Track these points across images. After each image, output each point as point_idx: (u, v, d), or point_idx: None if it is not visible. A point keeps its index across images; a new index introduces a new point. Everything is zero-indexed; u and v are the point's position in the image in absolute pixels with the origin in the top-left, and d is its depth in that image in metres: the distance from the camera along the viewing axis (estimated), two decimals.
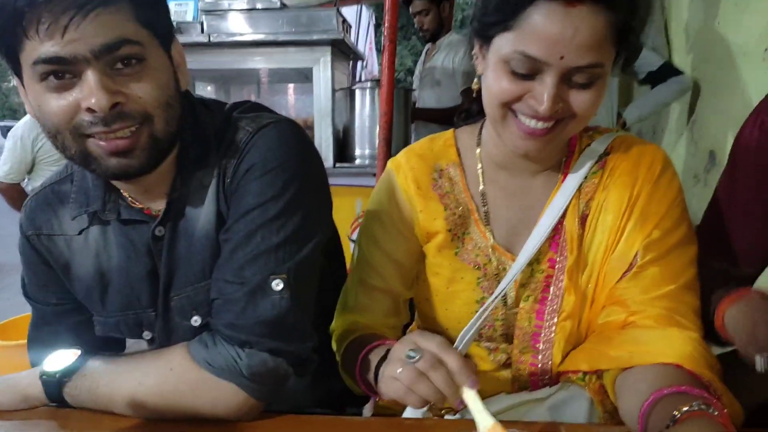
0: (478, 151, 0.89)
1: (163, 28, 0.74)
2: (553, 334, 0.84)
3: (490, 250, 0.86)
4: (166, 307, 0.83)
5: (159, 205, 0.82)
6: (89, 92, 0.67)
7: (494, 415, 0.61)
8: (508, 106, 0.76)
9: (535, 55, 0.71)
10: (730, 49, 2.05)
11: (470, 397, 0.62)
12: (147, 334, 0.87)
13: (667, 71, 2.26)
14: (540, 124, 0.75)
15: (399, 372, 0.64)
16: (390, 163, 0.93)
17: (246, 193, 0.77)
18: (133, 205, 0.82)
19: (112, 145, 0.70)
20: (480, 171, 0.89)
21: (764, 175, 0.89)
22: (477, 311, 0.84)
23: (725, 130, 2.07)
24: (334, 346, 0.89)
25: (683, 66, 2.34)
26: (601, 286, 0.83)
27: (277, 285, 0.74)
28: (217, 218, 0.80)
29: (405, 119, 2.52)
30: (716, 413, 0.58)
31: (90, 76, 0.67)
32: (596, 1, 0.69)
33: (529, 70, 0.72)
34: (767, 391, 0.81)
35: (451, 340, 0.80)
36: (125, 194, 0.83)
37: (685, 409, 0.58)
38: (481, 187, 0.88)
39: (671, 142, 2.58)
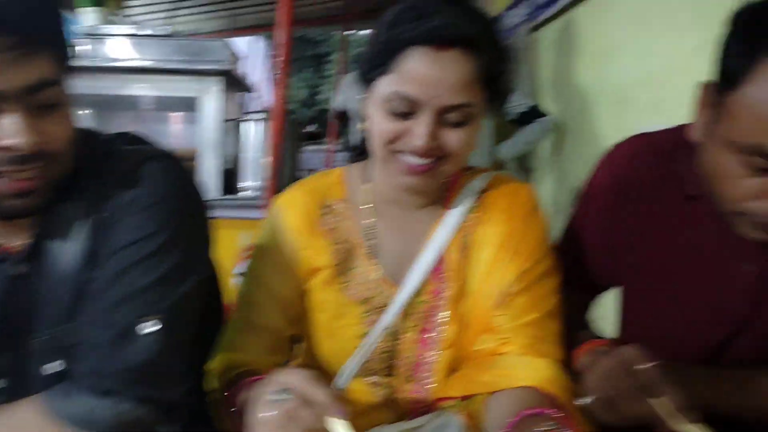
0: (366, 186, 0.94)
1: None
2: (435, 363, 0.89)
3: (376, 283, 0.90)
4: (24, 351, 0.76)
5: (19, 240, 0.76)
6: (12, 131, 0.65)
7: None
8: (391, 145, 0.82)
9: (411, 95, 0.78)
10: (588, 96, 2.29)
11: (341, 429, 0.62)
12: (1, 382, 0.79)
13: (534, 113, 2.50)
14: (420, 161, 0.81)
15: (267, 416, 0.63)
16: (278, 199, 0.95)
17: (123, 227, 0.74)
18: None
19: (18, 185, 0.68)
20: (368, 206, 0.93)
21: (610, 222, 0.98)
22: (356, 348, 0.87)
23: (586, 170, 2.28)
24: (211, 385, 0.87)
25: (550, 109, 2.58)
26: (478, 314, 0.89)
27: (149, 327, 0.71)
28: (87, 256, 0.75)
29: (293, 151, 2.54)
30: None
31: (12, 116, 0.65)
32: (464, 47, 0.77)
33: (406, 109, 0.79)
34: None
35: (335, 376, 0.82)
36: None
37: (542, 429, 0.64)
38: (369, 221, 0.92)
39: (541, 178, 2.81)
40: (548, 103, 2.67)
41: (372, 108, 0.83)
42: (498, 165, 2.57)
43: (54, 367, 0.76)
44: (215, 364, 0.88)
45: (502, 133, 2.61)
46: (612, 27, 2.09)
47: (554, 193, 2.63)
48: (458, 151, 0.81)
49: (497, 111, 0.87)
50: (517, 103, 2.49)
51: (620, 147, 1.01)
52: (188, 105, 2.62)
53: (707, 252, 0.90)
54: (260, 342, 0.90)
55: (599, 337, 0.90)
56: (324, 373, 0.90)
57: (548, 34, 2.72)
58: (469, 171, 0.96)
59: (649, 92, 1.80)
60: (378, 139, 0.82)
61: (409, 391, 0.90)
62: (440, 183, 0.89)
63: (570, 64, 2.46)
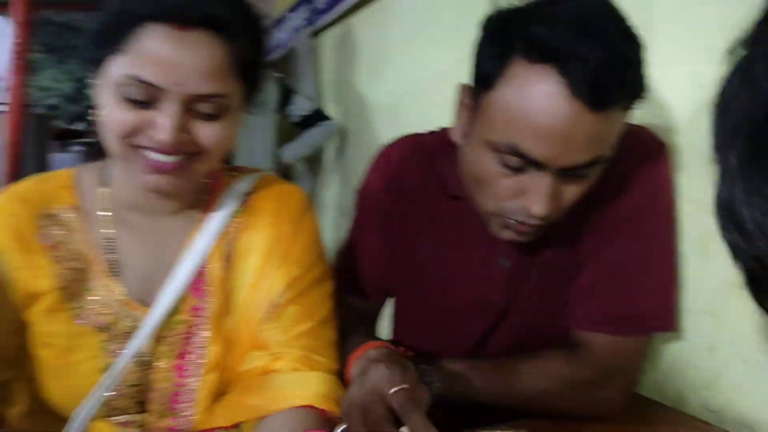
0: (104, 190, 0.79)
1: None
2: (196, 391, 0.78)
3: (119, 305, 0.76)
4: None
5: None
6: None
7: None
8: (129, 139, 0.69)
9: (151, 81, 0.66)
10: (367, 100, 2.35)
11: None
12: None
13: (317, 117, 2.50)
14: (167, 158, 0.69)
15: None
16: None
17: None
18: None
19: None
20: (106, 213, 0.78)
21: (384, 218, 1.00)
22: (96, 384, 0.72)
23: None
24: None
25: (333, 113, 2.60)
26: (246, 330, 0.80)
27: None
28: None
29: (40, 151, 2.17)
30: None
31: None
32: (211, 29, 0.68)
33: (146, 98, 0.67)
34: None
35: (57, 428, 0.67)
36: None
37: None
38: (107, 231, 0.78)
39: (327, 182, 2.82)
40: (331, 107, 2.69)
41: (104, 95, 0.69)
42: (282, 168, 2.51)
43: None
44: None
45: (286, 136, 2.57)
46: (387, 35, 2.17)
47: (340, 197, 2.66)
48: (212, 148, 0.72)
49: (253, 105, 0.78)
50: (299, 106, 2.47)
51: (389, 149, 1.03)
52: None
53: (469, 249, 0.94)
54: None
55: (374, 339, 0.88)
56: (56, 420, 0.73)
57: (329, 39, 2.74)
58: (234, 172, 0.87)
59: (420, 99, 1.89)
60: (112, 132, 0.69)
61: (166, 427, 0.77)
62: (195, 184, 0.78)
63: (350, 69, 2.50)
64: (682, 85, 0.96)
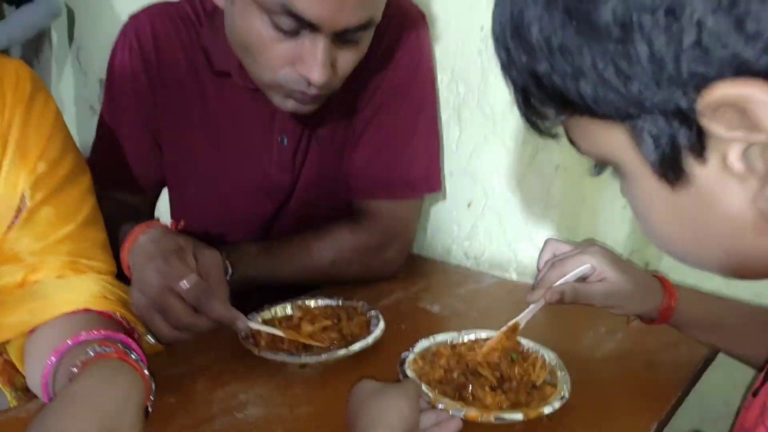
0: None
1: None
2: None
3: None
4: None
5: None
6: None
7: None
8: None
9: None
10: None
11: None
12: None
13: None
14: None
15: None
16: None
17: None
18: None
19: None
20: None
21: (142, 101, 0.89)
22: None
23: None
24: None
25: None
26: None
27: None
28: None
29: None
30: (112, 351, 0.55)
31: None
32: None
33: None
34: None
35: None
36: None
37: (80, 360, 0.52)
38: None
39: (59, 71, 2.41)
40: None
41: None
42: None
43: None
44: None
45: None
46: None
47: (77, 88, 2.30)
48: None
49: None
50: None
51: (137, 21, 0.89)
52: None
53: (245, 129, 0.89)
54: None
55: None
56: None
57: None
58: None
59: None
60: None
61: None
62: None
63: None
64: None
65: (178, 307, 0.64)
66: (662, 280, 0.70)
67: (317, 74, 0.71)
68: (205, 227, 0.89)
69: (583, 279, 0.68)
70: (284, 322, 0.78)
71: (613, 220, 0.98)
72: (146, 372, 0.55)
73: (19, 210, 0.66)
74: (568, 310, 0.69)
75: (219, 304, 0.64)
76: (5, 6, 2.22)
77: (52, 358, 0.56)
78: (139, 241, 0.71)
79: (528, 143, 0.96)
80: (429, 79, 0.95)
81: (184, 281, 0.64)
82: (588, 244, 0.70)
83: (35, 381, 0.60)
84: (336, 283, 0.91)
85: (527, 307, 0.69)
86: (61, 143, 0.71)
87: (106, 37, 2.02)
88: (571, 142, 0.39)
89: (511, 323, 0.70)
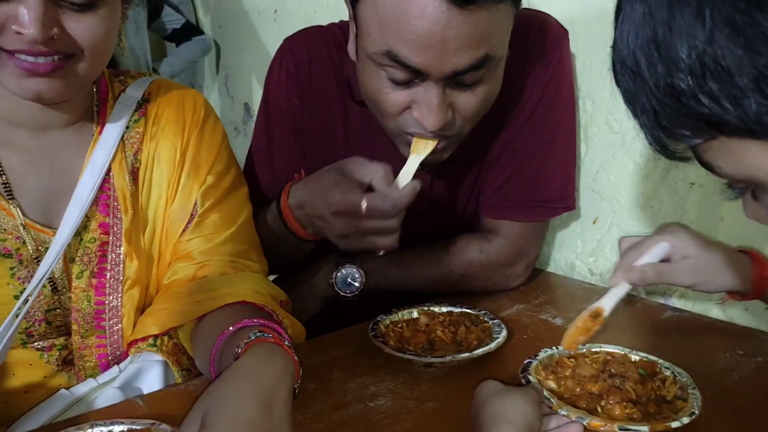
0: None
1: None
2: (120, 307, 0.76)
3: (21, 229, 0.71)
4: None
5: None
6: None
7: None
8: None
9: None
10: (245, 10, 2.22)
11: None
12: None
13: (189, 30, 2.36)
14: (41, 59, 0.62)
15: None
16: None
17: None
18: None
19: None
20: None
21: (297, 123, 0.95)
22: (7, 312, 0.67)
23: (255, 84, 2.27)
24: None
25: (207, 26, 2.45)
26: (165, 243, 0.78)
27: None
28: None
29: None
30: (270, 337, 0.62)
31: None
32: None
33: None
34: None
35: None
36: None
37: (243, 342, 0.60)
38: None
39: (209, 96, 2.68)
40: (206, 20, 2.52)
41: None
42: None
43: None
44: None
45: (160, 51, 2.41)
46: None
47: (226, 112, 2.55)
48: (91, 48, 0.65)
49: (151, 25, 0.71)
50: (170, 20, 2.33)
51: (294, 43, 0.96)
52: None
53: (385, 155, 0.93)
54: None
55: None
56: None
57: None
58: (121, 77, 0.81)
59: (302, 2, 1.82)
60: None
61: (94, 346, 0.75)
62: (80, 90, 0.72)
63: None
64: None
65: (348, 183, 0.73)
66: (751, 254, 0.66)
67: (431, 120, 0.73)
68: None
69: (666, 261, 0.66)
70: (410, 324, 0.83)
71: (757, 240, 0.93)
72: (296, 357, 0.62)
73: (191, 216, 0.78)
74: (701, 331, 0.66)
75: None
76: (167, 44, 2.56)
77: (219, 340, 0.65)
78: (298, 187, 0.81)
79: (660, 159, 0.94)
80: (570, 99, 0.94)
81: (364, 202, 0.71)
82: (666, 225, 0.68)
83: (202, 360, 0.69)
84: (460, 294, 0.94)
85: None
86: (226, 160, 0.83)
87: (249, 67, 2.26)
88: (705, 164, 0.37)
89: (594, 306, 0.69)
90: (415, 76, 0.71)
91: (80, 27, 0.63)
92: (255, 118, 1.03)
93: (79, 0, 0.62)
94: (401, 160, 0.81)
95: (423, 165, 0.77)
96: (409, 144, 0.78)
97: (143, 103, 0.79)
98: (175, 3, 2.42)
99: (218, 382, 0.55)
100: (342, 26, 0.95)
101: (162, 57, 2.45)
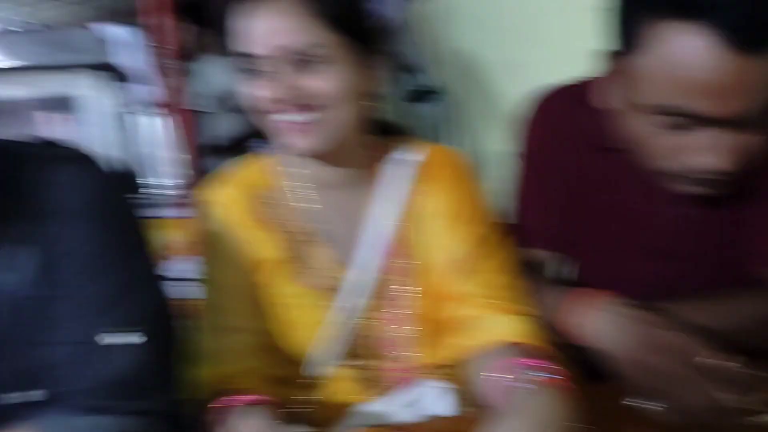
0: (289, 171, 0.92)
1: None
2: (409, 339, 0.90)
3: (329, 268, 0.89)
4: None
5: None
6: None
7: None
8: (261, 113, 0.82)
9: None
10: (478, 64, 2.35)
11: None
12: None
13: (430, 91, 2.51)
14: (287, 117, 0.79)
15: None
16: (207, 195, 0.92)
17: (72, 242, 0.69)
18: None
19: None
20: (299, 191, 0.91)
21: (559, 175, 1.00)
22: (320, 334, 0.87)
23: (477, 138, 2.37)
24: (197, 395, 0.82)
25: (437, 79, 2.61)
26: (440, 285, 0.90)
27: (132, 338, 0.68)
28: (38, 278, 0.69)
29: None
30: (546, 376, 0.68)
31: None
32: None
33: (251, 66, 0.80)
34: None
35: (296, 370, 0.86)
36: None
37: (521, 379, 0.67)
38: (309, 206, 0.91)
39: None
40: (437, 73, 2.70)
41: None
42: None
43: (29, 396, 0.69)
44: (204, 374, 0.84)
45: (400, 112, 2.60)
46: None
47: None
48: (324, 98, 0.79)
49: (368, 53, 0.83)
50: (410, 81, 2.49)
51: (549, 102, 1.02)
52: (62, 103, 2.38)
53: (634, 199, 0.96)
54: (239, 346, 0.86)
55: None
56: (290, 365, 0.90)
57: (431, 4, 2.74)
58: (389, 139, 0.95)
59: (542, 55, 1.88)
60: (252, 110, 0.82)
61: (388, 369, 0.91)
62: (334, 141, 0.84)
63: (454, 33, 2.50)
64: None
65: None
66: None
67: (716, 162, 0.74)
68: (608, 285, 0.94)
69: None
70: None
71: None
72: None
73: (463, 262, 0.89)
74: None
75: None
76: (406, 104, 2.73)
77: (500, 375, 0.74)
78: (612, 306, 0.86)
79: None
80: None
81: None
82: None
83: (482, 390, 0.79)
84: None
85: None
86: (490, 213, 0.94)
87: (482, 122, 2.33)
88: None
89: None
90: (698, 122, 0.74)
91: (310, 83, 0.79)
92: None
93: (305, 64, 0.79)
94: (665, 200, 0.86)
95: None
96: (684, 184, 0.80)
97: (416, 162, 0.93)
98: (413, 65, 2.62)
99: (500, 417, 0.64)
100: (580, 84, 0.98)
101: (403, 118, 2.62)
